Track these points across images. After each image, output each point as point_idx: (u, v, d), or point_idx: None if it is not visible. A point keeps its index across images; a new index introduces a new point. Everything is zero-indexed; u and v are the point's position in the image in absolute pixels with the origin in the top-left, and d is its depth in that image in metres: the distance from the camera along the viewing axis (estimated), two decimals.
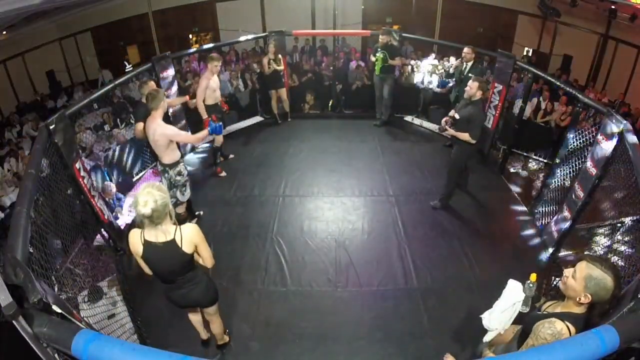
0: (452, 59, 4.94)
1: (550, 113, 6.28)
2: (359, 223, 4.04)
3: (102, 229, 3.48)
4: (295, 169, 4.95)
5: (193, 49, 8.97)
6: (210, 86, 4.46)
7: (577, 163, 3.61)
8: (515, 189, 4.67)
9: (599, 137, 3.12)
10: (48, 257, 2.32)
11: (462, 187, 4.38)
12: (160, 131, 3.18)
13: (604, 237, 3.17)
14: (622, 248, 2.89)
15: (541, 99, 6.65)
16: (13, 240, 1.73)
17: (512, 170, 5.27)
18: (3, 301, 1.22)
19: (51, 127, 2.87)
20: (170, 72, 4.90)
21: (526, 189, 4.72)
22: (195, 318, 2.74)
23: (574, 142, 3.73)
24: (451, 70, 4.87)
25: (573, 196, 3.40)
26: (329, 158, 5.18)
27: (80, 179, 3.19)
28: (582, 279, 1.52)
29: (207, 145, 5.39)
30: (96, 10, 9.27)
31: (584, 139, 3.60)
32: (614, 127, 2.93)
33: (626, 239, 2.90)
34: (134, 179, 4.87)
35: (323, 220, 4.08)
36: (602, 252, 3.07)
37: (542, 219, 4.03)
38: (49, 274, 2.30)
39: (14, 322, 1.23)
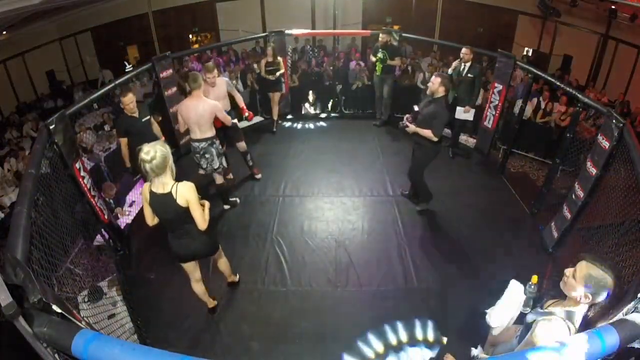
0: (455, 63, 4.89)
1: (550, 113, 6.28)
2: (359, 223, 4.04)
3: (102, 229, 3.48)
4: (295, 169, 4.95)
5: (193, 49, 8.98)
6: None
7: (577, 163, 3.61)
8: (515, 189, 4.67)
9: (599, 137, 3.12)
10: (48, 257, 2.32)
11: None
12: (207, 106, 3.47)
13: (604, 237, 3.17)
14: (623, 248, 2.88)
15: (541, 99, 6.65)
16: (13, 240, 1.73)
17: (512, 170, 5.28)
18: (3, 301, 1.22)
19: (51, 127, 2.87)
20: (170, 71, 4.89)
21: (526, 189, 4.71)
22: (199, 289, 2.92)
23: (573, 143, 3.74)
24: (449, 71, 4.85)
25: (573, 196, 3.40)
26: (329, 158, 5.17)
27: (80, 179, 3.19)
28: (582, 278, 1.52)
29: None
30: (96, 10, 9.28)
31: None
32: (613, 127, 2.93)
33: (626, 239, 2.90)
34: (134, 179, 4.87)
35: (323, 220, 4.08)
36: (602, 252, 3.07)
37: (542, 219, 4.02)
38: (49, 274, 2.30)
39: (14, 322, 1.23)
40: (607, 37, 8.58)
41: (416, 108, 3.70)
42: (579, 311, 1.56)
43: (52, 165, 2.90)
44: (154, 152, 2.16)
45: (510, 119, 5.31)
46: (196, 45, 10.82)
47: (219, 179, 3.95)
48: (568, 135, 3.85)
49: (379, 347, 2.85)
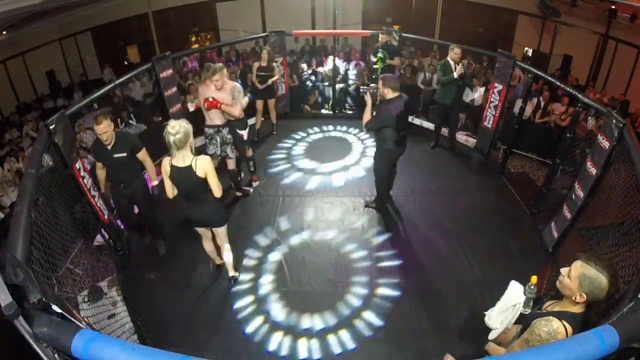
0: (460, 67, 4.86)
1: (549, 114, 6.27)
2: (359, 223, 4.04)
3: (102, 229, 3.48)
4: (295, 169, 4.95)
5: (193, 49, 8.98)
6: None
7: (577, 163, 3.61)
8: (515, 189, 4.67)
9: (599, 136, 3.12)
10: (48, 257, 2.32)
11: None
12: (215, 95, 3.63)
13: (604, 237, 3.17)
14: (622, 248, 2.88)
15: (541, 99, 6.65)
16: (13, 240, 1.73)
17: (512, 170, 5.27)
18: (3, 301, 1.21)
19: (51, 127, 2.87)
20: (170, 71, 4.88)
21: (526, 189, 4.72)
22: (209, 247, 3.25)
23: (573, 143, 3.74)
24: (455, 75, 4.83)
25: (573, 196, 3.40)
26: (329, 158, 5.17)
27: (80, 179, 3.19)
28: (576, 278, 1.52)
29: None
30: (96, 10, 9.28)
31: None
32: (613, 127, 2.93)
33: (626, 239, 2.90)
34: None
35: (323, 220, 4.08)
36: (602, 252, 3.07)
37: (542, 219, 4.02)
38: (49, 274, 2.30)
39: (14, 322, 1.22)
40: (607, 37, 8.57)
41: (374, 87, 3.73)
42: (577, 311, 1.56)
43: (52, 166, 2.90)
44: (179, 127, 2.48)
45: (510, 119, 5.31)
46: (196, 45, 10.82)
47: (231, 164, 4.14)
48: (568, 135, 3.85)
49: (379, 347, 2.85)
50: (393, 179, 4.20)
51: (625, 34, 8.12)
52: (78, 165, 3.19)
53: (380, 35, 5.60)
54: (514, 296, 2.03)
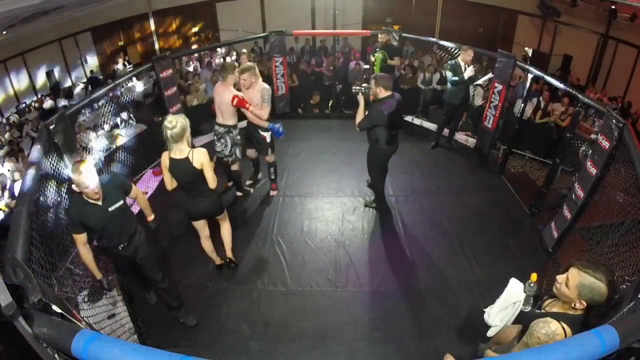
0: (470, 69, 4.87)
1: (549, 114, 6.27)
2: (359, 223, 4.04)
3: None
4: (295, 169, 4.95)
5: (193, 49, 8.97)
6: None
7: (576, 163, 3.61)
8: (515, 189, 4.66)
9: (599, 137, 3.12)
10: (48, 257, 2.32)
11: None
12: (230, 95, 3.58)
13: (604, 237, 3.17)
14: (622, 248, 2.88)
15: (541, 99, 6.65)
16: (13, 240, 1.73)
17: (512, 170, 5.27)
18: (3, 301, 1.21)
19: (51, 127, 2.87)
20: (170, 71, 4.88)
21: (526, 189, 4.71)
22: (208, 247, 3.30)
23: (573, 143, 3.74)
24: (466, 77, 4.85)
25: (573, 196, 3.40)
26: (329, 158, 5.17)
27: None
28: (575, 287, 1.51)
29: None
30: (96, 10, 9.27)
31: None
32: (613, 127, 2.93)
33: (626, 239, 2.90)
34: (134, 179, 4.86)
35: (323, 220, 4.08)
36: (602, 252, 3.07)
37: (542, 219, 4.02)
38: (49, 274, 2.30)
39: (14, 322, 1.23)
40: (607, 37, 8.57)
41: (363, 86, 3.65)
42: (576, 313, 1.56)
43: (52, 166, 2.90)
44: (176, 122, 2.57)
45: (510, 119, 5.31)
46: (196, 45, 10.82)
47: (234, 166, 4.14)
48: (568, 135, 3.85)
49: (379, 347, 2.85)
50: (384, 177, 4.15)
51: (625, 34, 8.12)
52: None
53: (380, 35, 5.60)
54: (514, 294, 2.03)
